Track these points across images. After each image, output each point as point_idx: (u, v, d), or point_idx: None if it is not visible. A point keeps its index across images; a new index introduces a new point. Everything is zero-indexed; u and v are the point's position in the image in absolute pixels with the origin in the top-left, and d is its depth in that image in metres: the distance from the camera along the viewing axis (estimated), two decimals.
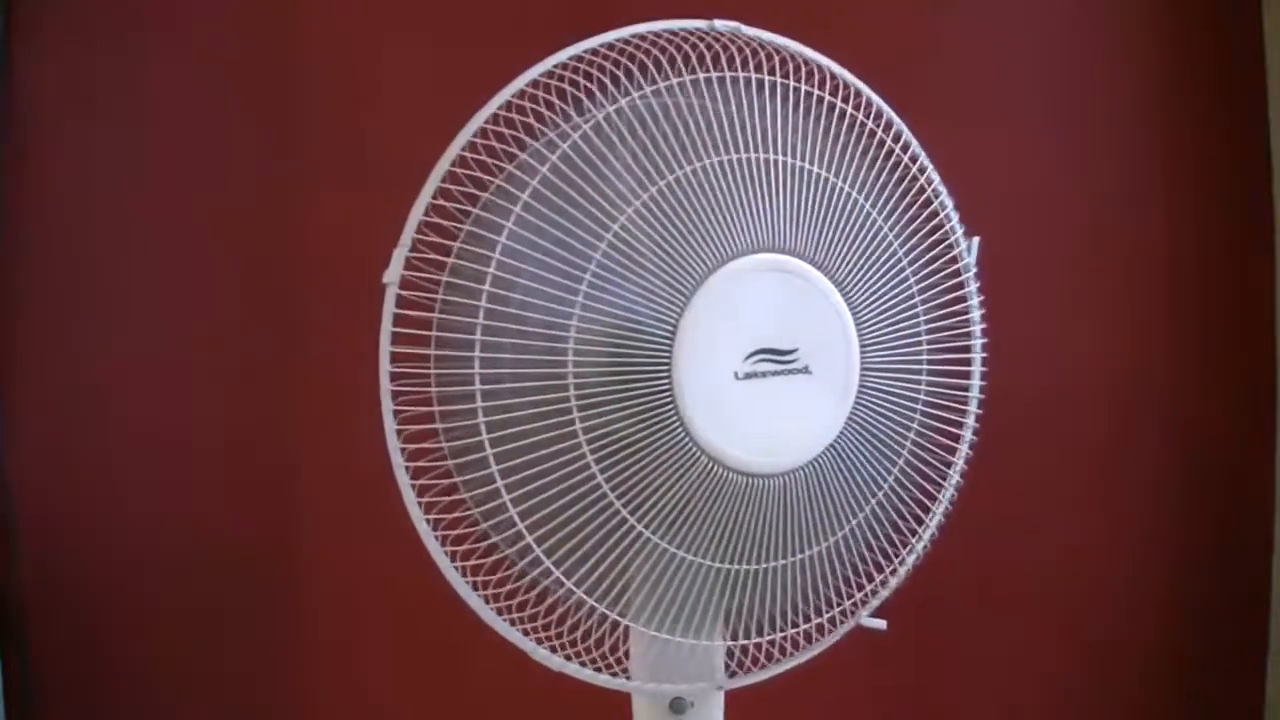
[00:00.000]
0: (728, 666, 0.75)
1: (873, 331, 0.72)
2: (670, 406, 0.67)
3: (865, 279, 0.72)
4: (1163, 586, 1.37)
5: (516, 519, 0.67)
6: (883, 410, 0.73)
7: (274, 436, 1.32)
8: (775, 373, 0.69)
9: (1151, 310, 1.36)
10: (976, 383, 0.78)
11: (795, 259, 0.70)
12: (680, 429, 0.67)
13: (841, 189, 0.71)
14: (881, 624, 0.76)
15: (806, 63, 0.73)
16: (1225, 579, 1.37)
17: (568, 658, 0.71)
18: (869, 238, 0.72)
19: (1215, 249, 1.35)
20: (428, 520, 0.68)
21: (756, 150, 0.69)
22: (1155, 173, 1.35)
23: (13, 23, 1.30)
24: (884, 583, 0.76)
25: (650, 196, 0.67)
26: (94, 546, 1.32)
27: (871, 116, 0.75)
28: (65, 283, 1.32)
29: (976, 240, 0.78)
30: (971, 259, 0.77)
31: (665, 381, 0.67)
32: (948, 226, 0.76)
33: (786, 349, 0.69)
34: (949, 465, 0.77)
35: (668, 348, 0.67)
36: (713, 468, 0.68)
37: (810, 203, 0.70)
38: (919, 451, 0.75)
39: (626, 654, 0.72)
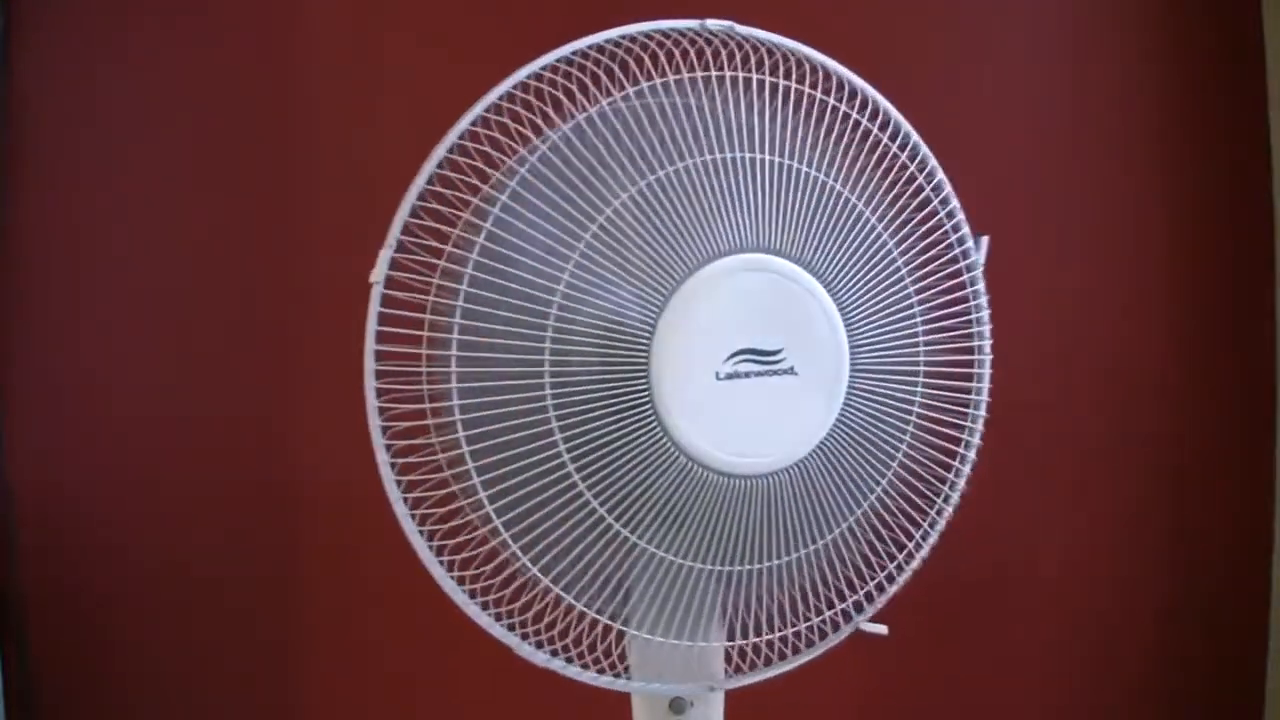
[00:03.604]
0: (726, 668, 0.75)
1: (864, 332, 0.72)
2: (648, 405, 0.67)
3: (856, 279, 0.71)
4: (1163, 586, 1.37)
5: (495, 519, 0.67)
6: (875, 413, 0.72)
7: (274, 436, 1.32)
8: (759, 373, 0.69)
9: (1151, 310, 1.36)
10: (985, 385, 0.77)
11: (780, 259, 0.69)
12: (657, 428, 0.67)
13: (832, 188, 0.71)
14: (882, 629, 0.76)
15: (802, 61, 0.72)
16: (1225, 579, 1.37)
17: (568, 660, 0.71)
18: (861, 237, 0.71)
19: (1215, 249, 1.35)
20: (413, 516, 0.68)
21: (743, 150, 0.69)
22: (1155, 173, 1.35)
23: (13, 23, 1.30)
24: (879, 587, 0.75)
25: (630, 197, 0.67)
26: (94, 546, 1.32)
27: (867, 114, 0.74)
28: (65, 283, 1.32)
29: (985, 239, 0.77)
30: (980, 258, 0.76)
31: (643, 381, 0.67)
32: (949, 225, 0.75)
33: (771, 349, 0.69)
34: (949, 469, 0.76)
35: (645, 347, 0.67)
36: (691, 467, 0.68)
37: (798, 202, 0.70)
38: (914, 455, 0.75)
39: (622, 655, 0.72)
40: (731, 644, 0.73)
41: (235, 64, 1.31)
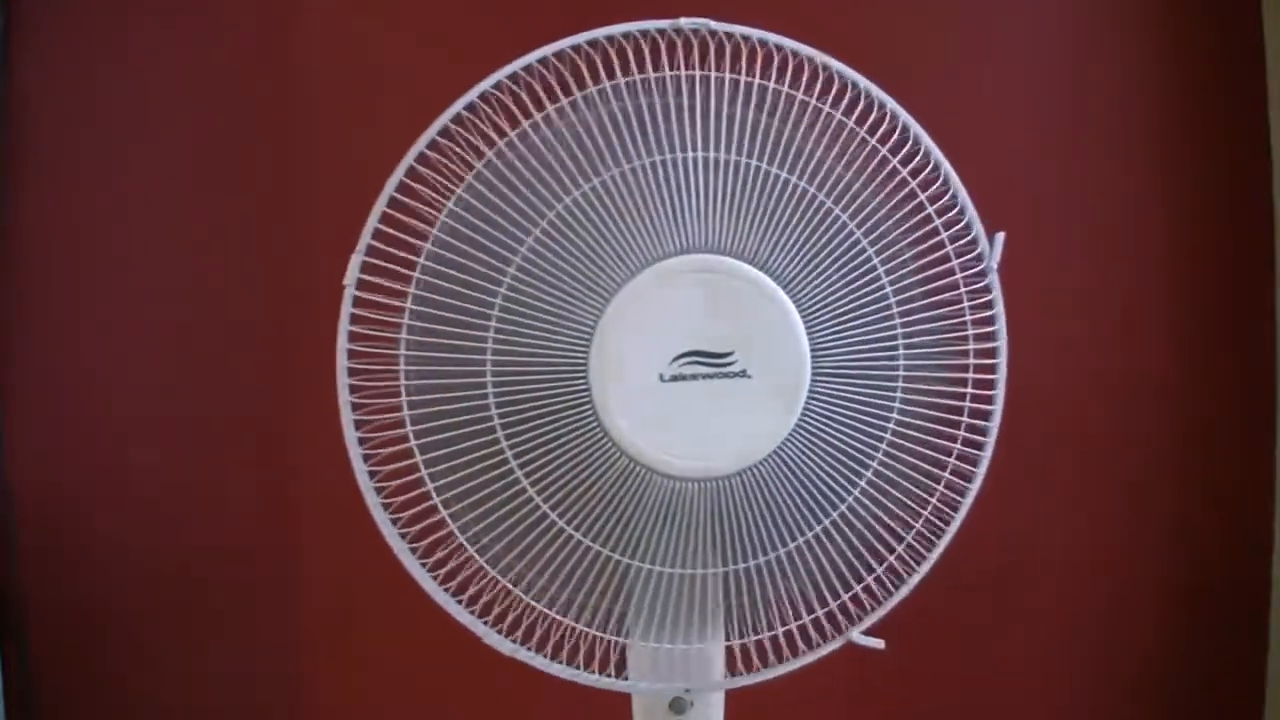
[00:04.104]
0: (725, 670, 0.75)
1: (831, 334, 0.69)
2: (587, 405, 0.67)
3: (820, 280, 0.69)
4: (1163, 586, 1.37)
5: (442, 511, 0.69)
6: (843, 419, 0.70)
7: (274, 436, 1.32)
8: (708, 375, 0.68)
9: (1151, 310, 1.36)
10: (999, 393, 0.73)
11: (733, 259, 0.68)
12: (596, 427, 0.67)
13: (797, 185, 0.69)
14: (879, 643, 0.74)
15: (786, 57, 0.71)
16: (1225, 579, 1.37)
17: (538, 651, 0.72)
18: (828, 236, 0.69)
19: (1215, 249, 1.35)
20: (385, 506, 0.70)
21: (695, 149, 0.68)
22: (1155, 173, 1.35)
23: (13, 23, 1.30)
24: (858, 599, 0.73)
25: (574, 200, 0.68)
26: (94, 546, 1.32)
27: (843, 107, 0.71)
28: (65, 283, 1.32)
29: (1000, 236, 0.74)
30: (993, 257, 0.73)
31: (582, 380, 0.67)
32: (938, 222, 0.72)
33: (720, 352, 0.68)
34: (937, 480, 0.73)
35: (585, 347, 0.67)
36: (633, 468, 0.68)
37: (757, 201, 0.68)
38: (892, 464, 0.72)
39: (606, 653, 0.73)
40: (702, 646, 0.73)
41: (235, 64, 1.31)
